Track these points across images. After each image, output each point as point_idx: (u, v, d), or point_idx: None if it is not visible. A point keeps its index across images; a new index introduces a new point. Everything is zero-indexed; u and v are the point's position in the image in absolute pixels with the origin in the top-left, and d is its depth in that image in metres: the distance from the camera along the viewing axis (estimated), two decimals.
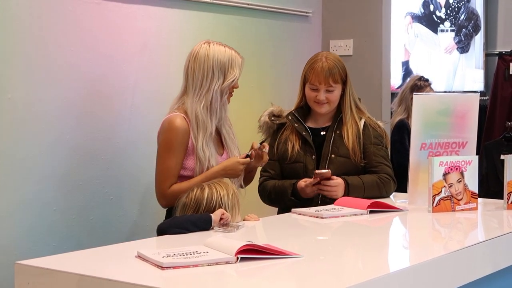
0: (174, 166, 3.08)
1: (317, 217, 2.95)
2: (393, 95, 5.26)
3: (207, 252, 2.17)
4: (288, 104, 3.60)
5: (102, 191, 3.62)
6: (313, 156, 3.38)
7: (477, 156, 3.22)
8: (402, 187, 3.61)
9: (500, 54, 6.72)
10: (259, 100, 4.22)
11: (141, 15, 3.80)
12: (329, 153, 3.37)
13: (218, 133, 3.23)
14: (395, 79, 5.85)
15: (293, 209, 3.12)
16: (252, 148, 3.19)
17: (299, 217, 3.02)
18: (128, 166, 3.72)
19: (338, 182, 3.25)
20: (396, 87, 5.81)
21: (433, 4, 6.50)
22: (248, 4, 4.37)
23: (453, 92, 6.49)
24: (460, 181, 3.09)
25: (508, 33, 6.86)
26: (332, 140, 3.39)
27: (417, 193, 3.22)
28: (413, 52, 6.31)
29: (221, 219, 2.68)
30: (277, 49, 4.62)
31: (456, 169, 3.09)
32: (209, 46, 3.16)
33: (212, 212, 2.73)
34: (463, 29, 6.74)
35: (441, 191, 3.05)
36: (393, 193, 3.59)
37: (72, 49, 3.49)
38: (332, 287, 2.01)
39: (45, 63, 3.38)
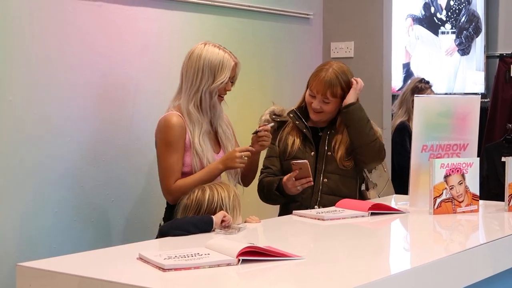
0: (176, 162, 3.11)
1: (318, 219, 2.95)
2: (394, 97, 5.27)
3: (209, 254, 2.18)
4: (289, 105, 3.59)
5: (103, 193, 3.62)
6: (312, 153, 3.40)
7: (478, 158, 3.22)
8: (403, 189, 3.62)
9: (501, 56, 6.72)
10: (260, 102, 4.21)
11: (142, 17, 3.80)
12: (325, 151, 3.39)
13: (216, 132, 3.26)
14: (396, 81, 5.85)
15: (294, 211, 3.14)
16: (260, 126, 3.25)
17: (300, 219, 3.02)
18: (129, 168, 3.72)
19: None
20: (397, 89, 5.81)
21: (434, 6, 6.51)
22: (249, 6, 4.37)
23: (454, 94, 6.49)
24: (461, 183, 3.10)
25: (509, 35, 6.86)
26: (327, 138, 3.41)
27: (418, 195, 3.22)
28: (414, 54, 6.31)
29: (222, 221, 2.68)
30: (278, 51, 4.62)
31: (457, 171, 3.09)
32: (204, 46, 3.20)
33: (213, 213, 2.73)
34: (464, 31, 6.74)
35: (442, 193, 3.05)
36: (394, 195, 3.59)
37: (73, 51, 3.49)
38: None
39: (46, 65, 3.39)
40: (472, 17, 6.79)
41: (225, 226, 2.67)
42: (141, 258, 2.19)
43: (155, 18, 3.87)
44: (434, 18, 6.52)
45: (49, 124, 3.40)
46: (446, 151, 3.28)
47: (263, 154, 3.43)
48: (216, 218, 2.68)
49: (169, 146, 3.12)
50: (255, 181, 3.44)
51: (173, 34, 3.95)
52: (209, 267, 2.09)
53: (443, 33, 6.59)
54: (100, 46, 3.60)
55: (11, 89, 3.26)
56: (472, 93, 6.37)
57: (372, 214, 3.00)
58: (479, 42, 6.84)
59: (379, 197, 3.52)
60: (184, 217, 2.80)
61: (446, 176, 3.07)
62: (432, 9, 6.49)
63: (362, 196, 3.46)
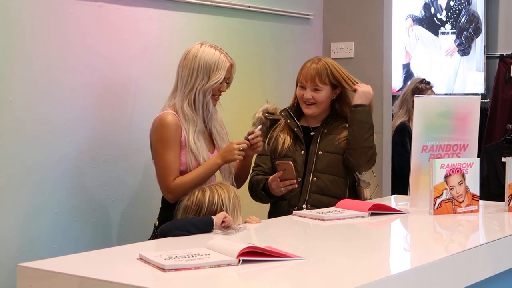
0: (173, 160, 3.11)
1: (318, 219, 2.95)
2: (394, 97, 5.27)
3: (209, 254, 2.18)
4: (289, 105, 3.59)
5: (103, 193, 3.62)
6: (302, 152, 3.41)
7: (478, 158, 3.22)
8: (403, 190, 3.62)
9: (501, 57, 6.72)
10: (260, 102, 4.19)
11: (142, 18, 3.80)
12: (316, 150, 3.40)
13: (210, 133, 3.27)
14: (396, 82, 5.86)
15: (294, 212, 3.14)
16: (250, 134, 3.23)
17: (300, 219, 3.03)
18: (129, 168, 3.73)
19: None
20: (397, 90, 5.82)
21: (434, 6, 6.51)
22: (249, 7, 4.37)
23: (454, 94, 6.50)
24: (462, 183, 3.10)
25: (509, 36, 6.86)
26: (319, 138, 3.42)
27: (418, 195, 3.22)
28: (414, 54, 6.31)
29: (223, 222, 2.68)
30: (279, 51, 4.62)
31: (458, 171, 3.09)
32: (200, 47, 3.21)
33: (214, 214, 2.73)
34: (464, 32, 6.74)
35: (442, 194, 3.06)
36: (394, 195, 3.59)
37: (73, 51, 3.49)
38: None
39: (46, 66, 3.39)
40: (472, 17, 6.80)
41: (225, 227, 2.67)
42: (142, 258, 2.19)
43: (155, 18, 3.87)
44: (434, 18, 6.53)
45: (49, 125, 3.40)
46: (446, 152, 3.28)
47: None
48: (217, 218, 2.68)
49: (166, 144, 3.11)
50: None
51: (173, 34, 3.95)
52: (210, 268, 2.09)
53: (443, 33, 6.59)
54: (100, 47, 3.61)
55: (11, 89, 3.26)
56: (472, 94, 6.38)
57: (372, 214, 3.00)
58: (479, 43, 6.85)
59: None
60: (184, 217, 2.80)
61: (446, 177, 3.07)
62: (432, 10, 6.49)
63: (357, 195, 3.46)
